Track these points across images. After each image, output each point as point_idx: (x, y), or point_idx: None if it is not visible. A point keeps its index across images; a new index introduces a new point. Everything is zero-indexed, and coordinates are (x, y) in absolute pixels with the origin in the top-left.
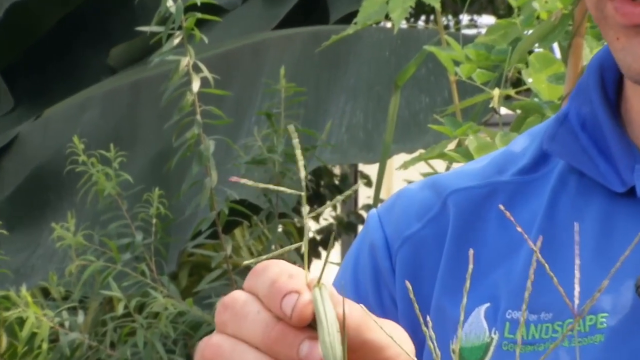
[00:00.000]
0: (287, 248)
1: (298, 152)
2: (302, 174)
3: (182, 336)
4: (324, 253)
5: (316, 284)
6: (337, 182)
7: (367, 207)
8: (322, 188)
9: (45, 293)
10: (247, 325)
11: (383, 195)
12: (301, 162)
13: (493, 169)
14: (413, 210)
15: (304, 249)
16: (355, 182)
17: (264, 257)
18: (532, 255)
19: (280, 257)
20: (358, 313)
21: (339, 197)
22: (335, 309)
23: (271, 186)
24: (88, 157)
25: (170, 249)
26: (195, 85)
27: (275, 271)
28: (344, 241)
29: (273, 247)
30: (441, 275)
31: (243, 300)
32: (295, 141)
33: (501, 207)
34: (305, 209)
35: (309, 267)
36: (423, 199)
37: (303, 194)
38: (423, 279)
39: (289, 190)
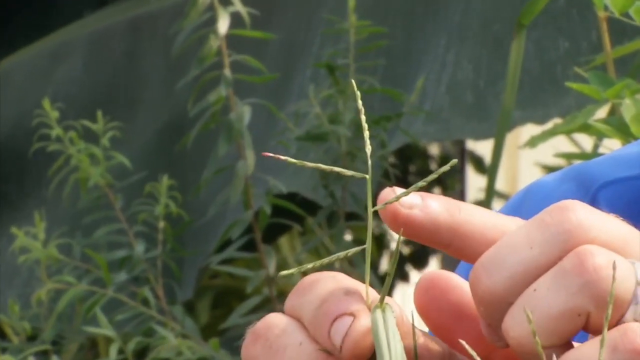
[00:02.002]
0: (343, 253)
1: (362, 118)
2: (368, 148)
3: None
4: (414, 275)
5: (379, 303)
6: (434, 167)
7: (480, 204)
8: (411, 175)
9: (2, 331)
10: None
11: (502, 186)
12: (366, 133)
13: None
14: None
15: (367, 253)
16: (462, 166)
17: (313, 264)
18: None
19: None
20: (436, 347)
21: (431, 176)
22: (404, 340)
23: (327, 167)
24: (64, 131)
25: (186, 266)
26: (223, 25)
27: (327, 287)
28: (446, 258)
29: (338, 263)
30: None
31: (281, 328)
32: (359, 103)
33: None
34: (369, 198)
35: (390, 286)
36: (564, 195)
37: (368, 176)
38: None
39: (351, 173)
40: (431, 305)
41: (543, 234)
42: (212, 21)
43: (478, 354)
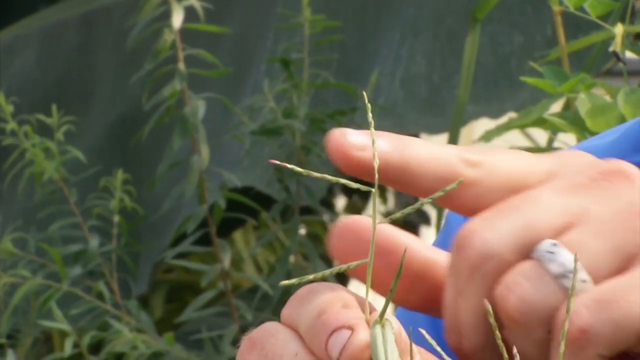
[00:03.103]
0: (344, 266)
1: (369, 115)
2: (377, 162)
3: None
4: None
5: (378, 319)
6: None
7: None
8: None
9: None
10: None
11: None
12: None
13: (627, 145)
14: None
15: (369, 268)
16: None
17: (311, 276)
18: None
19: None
20: None
21: (417, 205)
22: (402, 358)
23: (333, 178)
24: (19, 125)
25: (140, 260)
26: (177, 19)
27: (325, 298)
28: None
29: (292, 258)
30: None
31: (277, 337)
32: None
33: None
34: (374, 211)
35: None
36: None
37: (374, 190)
38: None
39: (356, 185)
40: (347, 249)
41: (466, 283)
42: (166, 15)
43: (398, 289)
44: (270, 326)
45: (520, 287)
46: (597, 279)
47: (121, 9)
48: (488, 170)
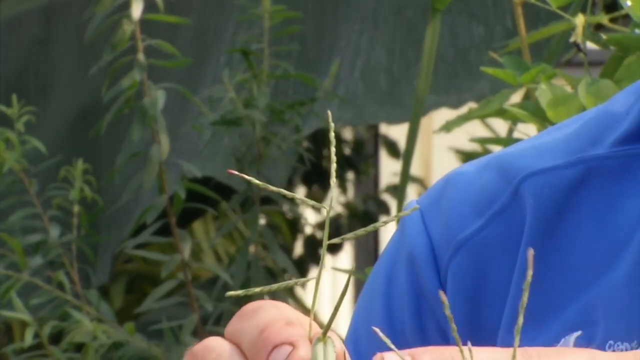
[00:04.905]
0: (293, 281)
1: (331, 135)
2: (333, 172)
3: None
4: (328, 259)
5: (321, 336)
6: (347, 151)
7: (393, 189)
8: (325, 160)
9: None
10: None
11: (415, 170)
12: (333, 148)
13: (584, 139)
14: (470, 201)
15: (316, 286)
16: (375, 151)
17: (257, 289)
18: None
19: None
20: None
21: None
22: None
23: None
24: None
25: (100, 250)
26: (136, 10)
27: (269, 315)
28: (360, 242)
29: (252, 248)
30: (513, 295)
31: (218, 352)
32: (329, 119)
33: None
34: (326, 230)
35: (304, 270)
36: (484, 186)
37: (327, 207)
38: (486, 300)
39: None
40: None
41: None
42: (125, 6)
43: None
44: (212, 341)
45: None
46: None
47: (80, 2)
48: None
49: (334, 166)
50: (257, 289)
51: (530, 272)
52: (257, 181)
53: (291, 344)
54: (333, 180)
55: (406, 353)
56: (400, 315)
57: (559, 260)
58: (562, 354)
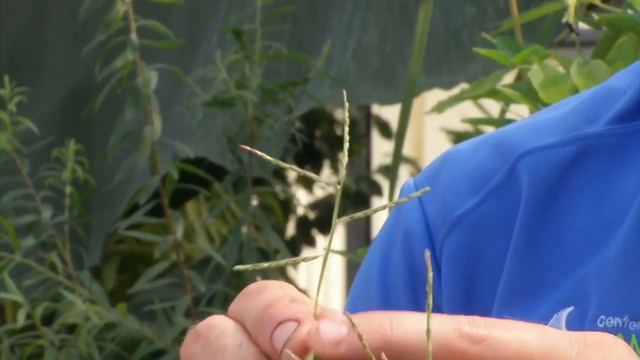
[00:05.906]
0: (300, 258)
1: (346, 115)
2: (345, 151)
3: (111, 359)
4: (320, 240)
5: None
6: (339, 132)
7: (385, 170)
8: (317, 141)
9: None
10: None
11: (408, 150)
12: (346, 145)
13: (580, 117)
14: (466, 179)
15: (323, 264)
16: (367, 131)
17: (265, 264)
18: (632, 240)
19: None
20: None
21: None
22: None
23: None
24: None
25: (93, 231)
26: None
27: (274, 294)
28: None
29: (244, 229)
30: (508, 271)
31: (222, 329)
32: (345, 115)
33: None
34: (335, 209)
35: (296, 250)
36: (480, 164)
37: (339, 187)
38: (480, 277)
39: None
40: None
41: None
42: None
43: None
44: (215, 319)
45: None
46: None
47: None
48: (494, 348)
49: (346, 145)
50: (266, 264)
51: (430, 275)
52: (269, 157)
53: (296, 320)
54: (345, 159)
55: (353, 319)
56: (396, 293)
57: (554, 237)
58: (511, 326)
